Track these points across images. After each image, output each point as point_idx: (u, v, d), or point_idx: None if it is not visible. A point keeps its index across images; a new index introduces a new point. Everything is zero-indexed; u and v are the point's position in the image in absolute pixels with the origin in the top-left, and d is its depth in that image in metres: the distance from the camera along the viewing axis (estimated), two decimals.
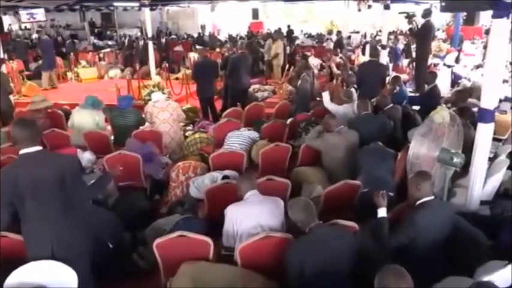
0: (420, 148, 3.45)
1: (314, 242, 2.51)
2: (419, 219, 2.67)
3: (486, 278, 2.20)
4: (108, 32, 22.22)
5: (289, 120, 5.74)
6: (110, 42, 19.28)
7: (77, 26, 21.01)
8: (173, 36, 20.02)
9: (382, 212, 2.86)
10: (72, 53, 13.17)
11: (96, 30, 21.95)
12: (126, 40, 16.38)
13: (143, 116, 5.68)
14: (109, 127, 5.69)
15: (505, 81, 7.52)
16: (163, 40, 15.65)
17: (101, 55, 14.05)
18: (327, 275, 2.45)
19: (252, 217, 2.92)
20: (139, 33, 19.31)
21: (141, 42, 13.46)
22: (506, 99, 6.76)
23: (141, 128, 5.49)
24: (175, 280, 2.66)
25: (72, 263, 2.38)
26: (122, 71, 12.13)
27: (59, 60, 12.41)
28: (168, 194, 4.32)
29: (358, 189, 3.61)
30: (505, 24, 3.00)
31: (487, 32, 12.59)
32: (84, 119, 5.41)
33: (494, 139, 3.72)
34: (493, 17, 2.97)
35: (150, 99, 6.60)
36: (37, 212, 2.43)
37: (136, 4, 13.42)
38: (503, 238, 2.84)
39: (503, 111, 6.00)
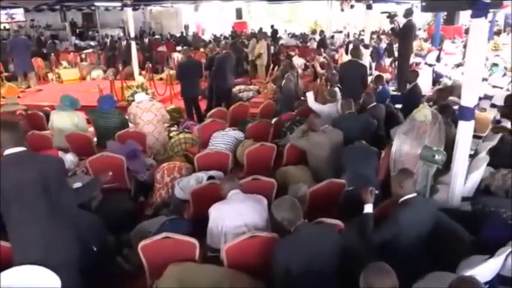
0: (403, 146, 3.48)
1: (300, 241, 2.52)
2: (402, 216, 2.71)
3: (468, 273, 2.25)
4: (90, 33, 21.85)
5: (274, 120, 5.73)
6: (91, 43, 18.97)
7: (57, 26, 20.60)
8: (157, 37, 19.85)
9: (368, 208, 2.87)
10: (53, 54, 12.90)
11: (77, 30, 21.57)
12: (109, 40, 16.13)
13: (126, 117, 5.61)
14: (91, 128, 5.61)
15: (484, 79, 7.68)
16: (146, 40, 15.49)
17: (83, 56, 13.84)
18: (313, 273, 2.47)
19: (236, 215, 2.93)
20: (121, 34, 19.09)
21: (124, 43, 13.35)
22: (486, 97, 6.91)
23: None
24: (161, 282, 2.64)
25: (60, 266, 2.34)
26: (105, 71, 11.96)
27: (39, 61, 12.17)
28: (153, 195, 4.27)
29: (343, 187, 3.64)
30: (484, 24, 3.07)
31: (467, 31, 12.82)
32: (63, 121, 5.28)
33: (475, 136, 3.78)
34: (472, 16, 3.02)
35: (133, 100, 6.52)
36: (22, 215, 2.36)
37: (119, 4, 13.28)
38: (485, 233, 2.89)
39: (483, 109, 6.15)
